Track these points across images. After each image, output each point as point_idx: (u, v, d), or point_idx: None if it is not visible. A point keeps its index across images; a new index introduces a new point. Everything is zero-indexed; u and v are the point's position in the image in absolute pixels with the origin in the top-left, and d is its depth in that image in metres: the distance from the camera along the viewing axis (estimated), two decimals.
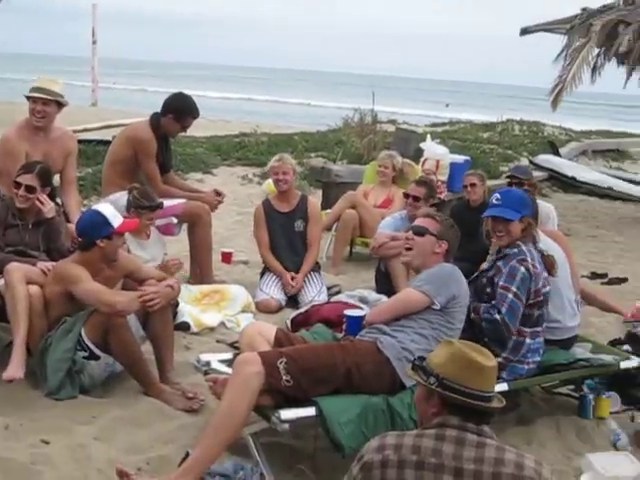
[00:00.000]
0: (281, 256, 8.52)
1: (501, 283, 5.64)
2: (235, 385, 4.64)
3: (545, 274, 5.78)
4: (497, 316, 5.56)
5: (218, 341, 7.15)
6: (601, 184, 17.50)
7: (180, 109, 8.21)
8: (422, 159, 12.03)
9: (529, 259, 5.65)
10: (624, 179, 18.83)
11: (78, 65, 65.91)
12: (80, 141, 9.68)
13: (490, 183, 10.76)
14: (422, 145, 12.66)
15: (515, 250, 5.71)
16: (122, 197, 7.49)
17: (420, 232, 5.49)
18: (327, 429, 4.72)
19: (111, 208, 6.07)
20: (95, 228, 5.84)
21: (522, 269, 5.59)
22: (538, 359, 5.83)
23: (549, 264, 5.90)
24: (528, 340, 5.71)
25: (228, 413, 4.61)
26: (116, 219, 5.91)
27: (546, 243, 6.40)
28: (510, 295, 5.57)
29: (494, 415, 3.21)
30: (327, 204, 11.43)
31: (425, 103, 63.19)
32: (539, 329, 5.80)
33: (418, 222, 5.60)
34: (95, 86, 33.12)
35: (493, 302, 5.64)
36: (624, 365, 6.27)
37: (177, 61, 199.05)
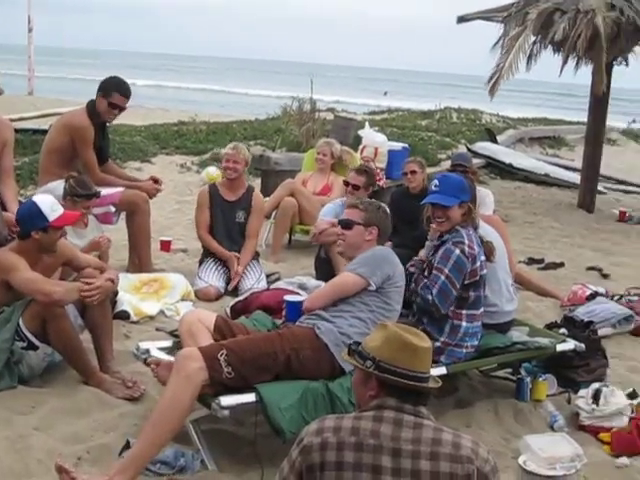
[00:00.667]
0: (219, 243, 8.50)
1: (435, 264, 5.72)
2: (177, 380, 4.63)
3: (483, 257, 5.85)
4: (429, 296, 5.64)
5: (157, 329, 7.12)
6: (538, 171, 17.66)
7: (106, 85, 8.12)
8: (361, 147, 12.06)
9: (466, 241, 5.70)
10: (560, 166, 19.05)
11: (14, 53, 65.01)
12: (17, 130, 9.56)
13: (429, 170, 10.84)
14: (361, 133, 12.70)
15: (453, 234, 5.78)
16: (59, 186, 7.39)
17: (347, 225, 5.52)
18: (267, 415, 4.75)
19: (51, 200, 5.93)
20: (31, 219, 5.75)
21: (457, 251, 5.65)
22: (476, 343, 5.90)
23: (488, 250, 5.97)
24: (464, 323, 5.77)
25: (170, 407, 4.60)
26: (54, 212, 5.78)
27: (484, 229, 6.47)
28: (442, 277, 5.64)
29: (430, 396, 3.23)
30: (266, 192, 11.39)
31: (364, 92, 63.34)
32: (476, 312, 5.85)
33: (344, 215, 5.63)
34: (31, 75, 32.72)
35: (426, 282, 5.72)
36: (560, 348, 6.37)
37: (119, 50, 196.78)
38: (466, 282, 5.70)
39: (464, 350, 5.80)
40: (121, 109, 8.22)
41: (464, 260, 5.64)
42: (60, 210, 5.90)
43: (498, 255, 6.43)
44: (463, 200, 5.86)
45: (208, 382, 4.68)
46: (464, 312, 5.77)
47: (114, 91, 8.10)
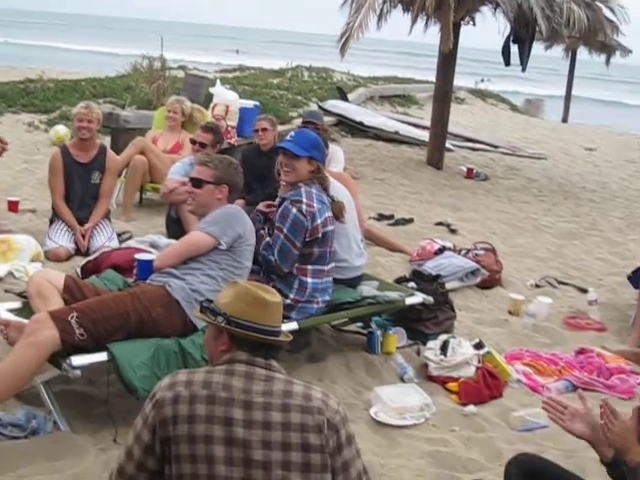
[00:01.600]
0: (74, 207, 8.29)
1: (276, 224, 5.77)
2: (26, 345, 4.56)
3: (328, 214, 5.90)
4: (271, 257, 5.69)
5: (6, 291, 6.94)
6: (388, 128, 17.90)
7: None
8: (212, 104, 11.97)
9: (304, 199, 5.73)
10: (410, 123, 19.35)
11: None
12: None
13: (280, 128, 10.87)
14: (212, 90, 12.60)
15: (292, 192, 5.81)
16: None
17: (197, 184, 5.47)
18: (120, 373, 4.71)
19: None
20: None
21: (294, 210, 5.68)
22: (327, 299, 5.97)
23: (337, 210, 6.02)
24: (310, 279, 5.82)
25: (14, 369, 4.55)
26: None
27: (333, 185, 6.54)
28: (282, 236, 5.70)
29: (281, 349, 3.27)
30: (116, 150, 11.16)
31: (215, 50, 62.73)
32: (324, 268, 5.91)
33: (194, 173, 5.56)
34: None
35: (269, 240, 5.77)
36: (409, 301, 6.51)
37: None
38: (307, 239, 5.74)
39: (315, 306, 5.86)
40: None
41: (302, 219, 5.68)
42: None
43: (348, 211, 6.52)
44: (313, 156, 5.89)
45: (60, 347, 4.61)
46: (309, 268, 5.82)
47: None
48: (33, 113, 15.72)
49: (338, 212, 6.03)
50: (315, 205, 5.77)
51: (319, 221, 5.77)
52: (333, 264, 6.05)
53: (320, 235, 5.79)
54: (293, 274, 5.80)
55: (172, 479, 3.01)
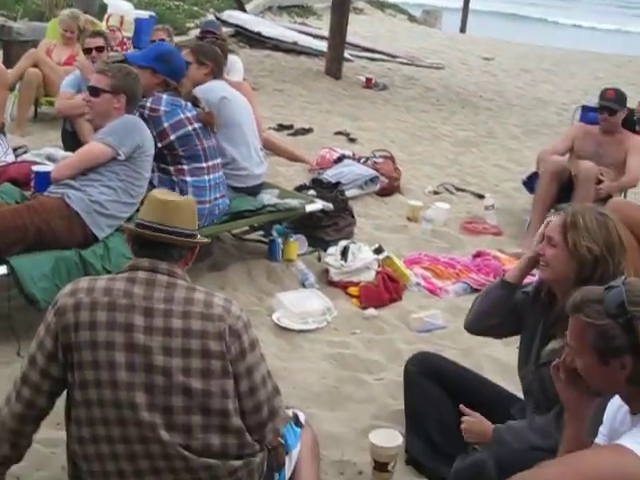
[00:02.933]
0: None
1: None
2: None
3: (181, 116, 5.76)
4: None
5: None
6: (286, 39, 17.72)
7: None
8: (106, 15, 11.71)
9: (148, 104, 5.65)
10: (308, 34, 19.20)
11: None
12: None
13: (177, 39, 10.73)
14: (105, 0, 12.32)
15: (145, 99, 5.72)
16: None
17: (94, 92, 5.34)
18: (20, 286, 4.70)
19: None
20: None
21: (136, 114, 5.55)
22: (218, 196, 5.92)
23: (207, 120, 5.92)
24: (190, 178, 5.75)
25: None
26: None
27: (231, 93, 6.53)
28: None
29: (188, 251, 3.22)
30: (9, 64, 10.88)
31: None
32: (202, 165, 5.83)
33: (92, 81, 5.43)
34: None
35: None
36: (309, 208, 6.56)
37: None
38: (160, 145, 5.64)
39: (207, 205, 5.80)
40: None
41: (143, 122, 5.52)
42: None
43: (247, 120, 6.54)
44: (155, 68, 5.82)
45: None
46: (185, 168, 5.77)
47: None
48: None
49: (208, 122, 5.93)
50: (162, 108, 5.68)
51: (166, 124, 5.67)
52: (217, 160, 6.00)
53: (173, 137, 5.70)
54: (171, 175, 5.76)
55: (75, 385, 3.02)
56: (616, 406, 2.86)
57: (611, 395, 2.87)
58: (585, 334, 2.70)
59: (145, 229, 3.12)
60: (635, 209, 6.70)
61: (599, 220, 3.48)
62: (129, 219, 5.13)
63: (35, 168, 5.63)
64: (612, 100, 7.65)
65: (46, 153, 6.98)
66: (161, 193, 3.25)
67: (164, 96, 5.74)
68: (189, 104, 5.87)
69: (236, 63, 8.89)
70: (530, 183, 8.03)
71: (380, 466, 4.01)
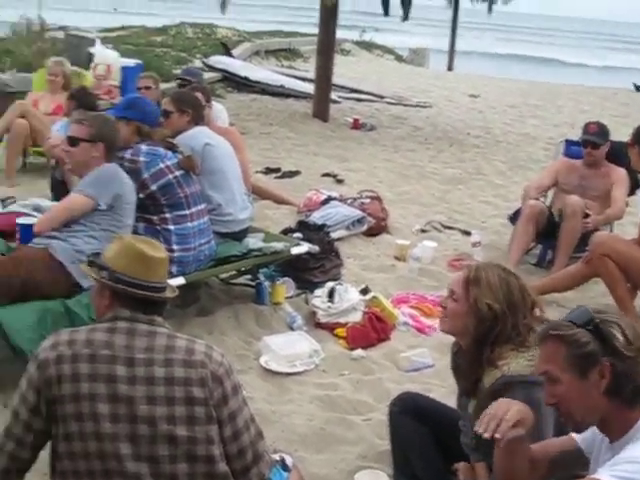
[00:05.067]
0: None
1: None
2: None
3: (161, 165, 5.77)
4: None
5: None
6: (273, 82, 17.85)
7: None
8: (92, 65, 11.81)
9: (127, 156, 5.67)
10: (296, 77, 19.34)
11: None
12: None
13: (164, 86, 10.79)
14: (92, 50, 12.42)
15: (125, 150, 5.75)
16: None
17: (73, 142, 5.38)
18: (7, 337, 4.70)
19: None
20: None
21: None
22: (203, 242, 5.93)
23: (187, 165, 5.93)
24: (173, 226, 5.77)
25: None
26: None
27: (215, 139, 6.59)
28: None
29: (165, 305, 3.27)
30: None
31: (93, 12, 61.09)
32: (185, 212, 5.84)
33: (69, 132, 5.47)
34: None
35: None
36: (295, 251, 6.59)
37: None
38: (140, 195, 5.65)
39: (192, 252, 5.83)
40: None
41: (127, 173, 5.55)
42: None
43: (230, 166, 6.60)
44: (127, 116, 5.86)
45: None
46: (168, 216, 5.79)
47: None
48: None
49: (189, 167, 5.94)
50: (141, 159, 5.70)
51: (146, 175, 5.69)
52: (202, 206, 6.01)
53: (154, 187, 5.72)
54: (155, 224, 5.77)
55: (59, 438, 3.01)
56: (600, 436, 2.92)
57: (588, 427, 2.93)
58: (559, 350, 2.82)
59: (131, 287, 3.12)
60: (620, 242, 6.76)
61: (501, 277, 3.57)
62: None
63: (19, 220, 5.65)
64: (595, 134, 7.73)
65: (33, 204, 7.01)
66: (146, 244, 3.23)
67: (143, 147, 5.77)
68: (169, 152, 5.89)
69: (221, 113, 8.96)
70: (515, 218, 8.07)
71: None
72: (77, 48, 14.53)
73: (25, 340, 4.67)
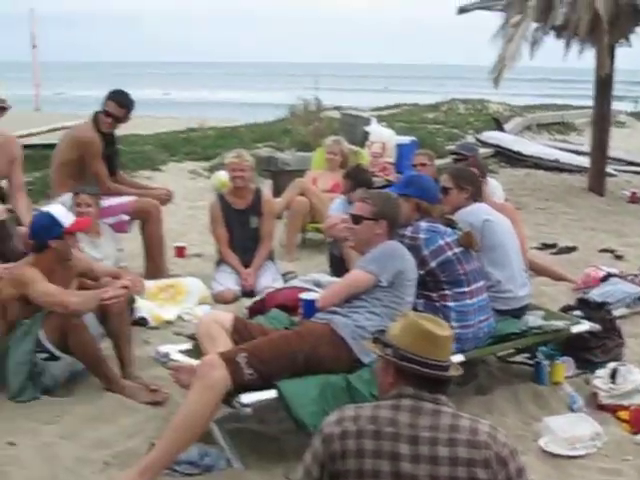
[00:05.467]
0: (239, 251, 8.48)
1: None
2: (200, 389, 4.64)
3: (441, 242, 5.80)
4: None
5: (176, 334, 7.17)
6: (547, 157, 17.66)
7: (105, 95, 8.23)
8: (368, 143, 12.12)
9: (408, 233, 5.73)
10: (569, 150, 19.03)
11: (17, 71, 64.84)
12: (26, 146, 9.66)
13: (438, 162, 10.88)
14: (367, 129, 12.76)
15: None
16: (70, 199, 7.54)
17: (356, 220, 5.52)
18: (289, 410, 4.81)
19: (62, 208, 6.10)
20: (46, 229, 5.85)
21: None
22: (482, 318, 5.90)
23: (466, 241, 5.93)
24: (453, 303, 5.77)
25: (193, 415, 4.61)
26: (67, 219, 5.91)
27: (494, 216, 6.56)
28: None
29: (450, 383, 3.26)
30: (277, 193, 11.48)
31: (365, 91, 62.94)
32: (464, 289, 5.83)
33: (353, 210, 5.63)
34: (37, 91, 32.74)
35: None
36: (575, 329, 6.43)
37: (118, 61, 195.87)
38: (421, 272, 5.66)
39: (471, 330, 5.81)
40: (116, 118, 8.19)
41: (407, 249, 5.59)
42: (72, 217, 6.05)
43: (510, 242, 6.52)
44: (407, 193, 5.93)
45: (231, 388, 4.69)
46: (448, 293, 5.79)
47: (109, 99, 8.15)
48: (195, 161, 16.20)
49: (468, 243, 5.95)
50: (421, 236, 5.75)
51: (426, 252, 5.73)
52: (481, 283, 5.99)
53: (434, 264, 5.75)
54: (435, 301, 5.79)
55: None
56: None
57: None
58: None
59: (417, 365, 3.13)
60: None
61: None
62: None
63: (303, 296, 5.80)
64: None
65: (313, 279, 7.22)
66: (432, 322, 3.26)
67: (423, 224, 5.84)
68: (448, 229, 5.94)
69: (497, 189, 8.94)
70: None
71: None
72: (352, 127, 15.02)
73: (307, 414, 4.77)
